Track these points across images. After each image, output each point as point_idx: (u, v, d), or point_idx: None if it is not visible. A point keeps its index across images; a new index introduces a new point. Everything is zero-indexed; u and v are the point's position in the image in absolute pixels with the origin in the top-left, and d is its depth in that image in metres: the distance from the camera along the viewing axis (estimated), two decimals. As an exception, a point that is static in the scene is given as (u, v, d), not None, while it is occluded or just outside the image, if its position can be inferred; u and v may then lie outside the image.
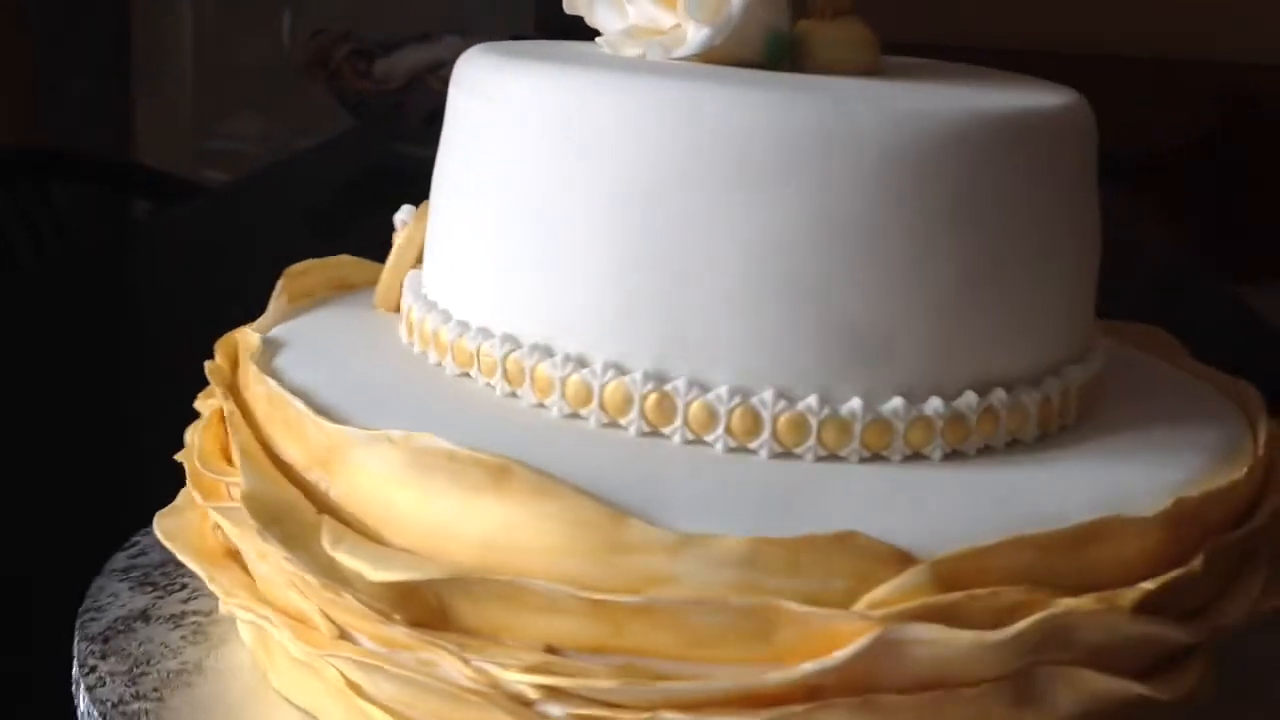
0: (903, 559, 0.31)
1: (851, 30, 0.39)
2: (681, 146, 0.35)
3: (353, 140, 1.45)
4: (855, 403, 0.35)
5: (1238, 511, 0.36)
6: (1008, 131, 0.36)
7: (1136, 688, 0.31)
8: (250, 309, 0.43)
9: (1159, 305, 0.47)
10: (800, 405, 0.35)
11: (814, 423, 0.35)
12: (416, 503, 0.33)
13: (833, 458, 0.35)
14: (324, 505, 0.35)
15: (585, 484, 0.32)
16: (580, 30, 0.42)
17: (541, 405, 0.36)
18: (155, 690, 0.36)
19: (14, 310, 0.88)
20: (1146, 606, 0.32)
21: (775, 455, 0.35)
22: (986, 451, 0.36)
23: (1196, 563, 0.33)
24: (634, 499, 0.32)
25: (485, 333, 0.37)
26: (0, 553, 0.42)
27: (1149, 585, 0.32)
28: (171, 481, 0.42)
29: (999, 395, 0.36)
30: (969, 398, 0.35)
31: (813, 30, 0.39)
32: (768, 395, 0.35)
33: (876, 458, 0.35)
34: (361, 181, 1.37)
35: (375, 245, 0.45)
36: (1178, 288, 1.09)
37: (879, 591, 0.31)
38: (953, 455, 0.36)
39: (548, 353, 0.36)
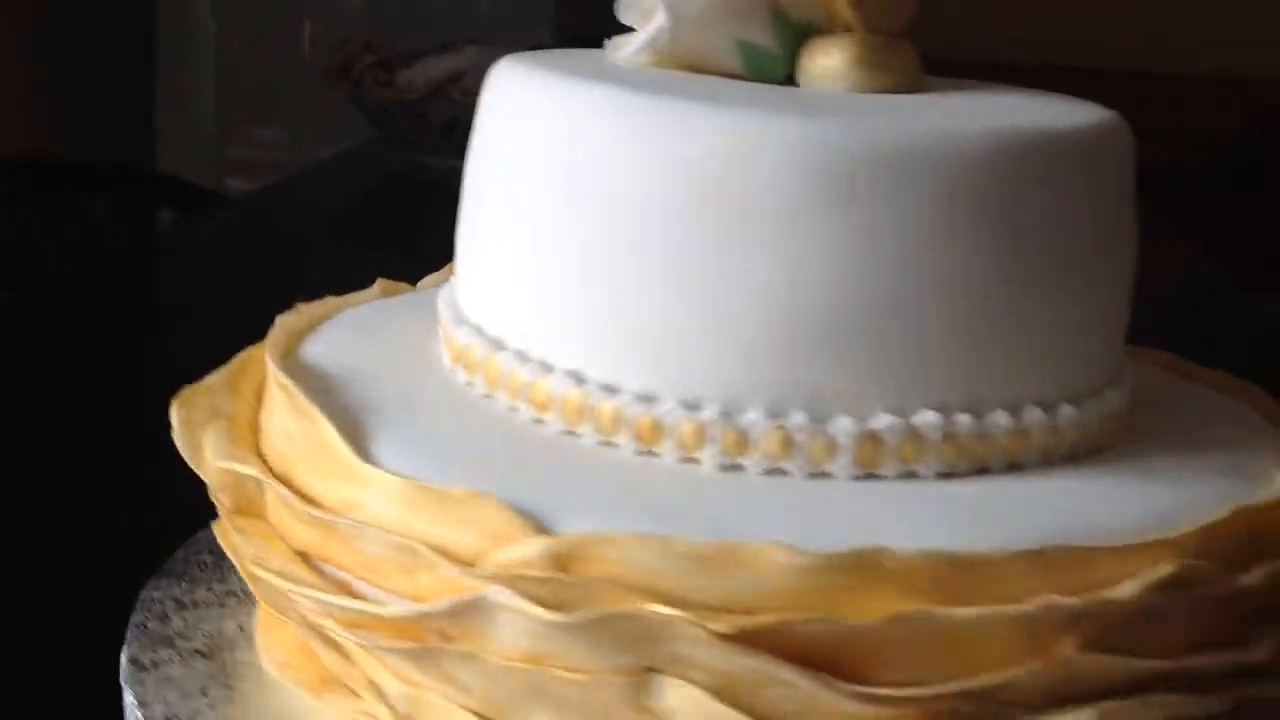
0: (538, 529, 0.32)
1: (898, 52, 0.39)
2: (735, 173, 0.35)
3: (374, 150, 1.46)
4: (885, 418, 0.35)
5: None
6: (1048, 150, 0.36)
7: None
8: (273, 317, 0.44)
9: (1184, 318, 0.47)
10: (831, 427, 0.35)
11: (847, 443, 0.35)
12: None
13: (869, 476, 0.35)
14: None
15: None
16: (596, 40, 0.42)
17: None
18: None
19: (41, 320, 0.88)
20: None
21: (810, 476, 0.35)
22: (1013, 469, 0.36)
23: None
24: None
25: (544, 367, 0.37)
26: (33, 557, 0.42)
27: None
28: (200, 489, 0.43)
29: (1034, 414, 0.36)
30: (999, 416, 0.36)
31: (858, 48, 0.39)
32: (801, 419, 0.35)
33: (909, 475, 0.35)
34: (382, 190, 1.38)
35: (396, 253, 0.46)
36: (1203, 300, 1.09)
37: (502, 555, 0.32)
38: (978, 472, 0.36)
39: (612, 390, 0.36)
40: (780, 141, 0.34)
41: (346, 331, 0.44)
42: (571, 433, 0.36)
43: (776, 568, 0.31)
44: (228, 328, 0.43)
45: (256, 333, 0.43)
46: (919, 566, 0.31)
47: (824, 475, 0.35)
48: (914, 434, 0.35)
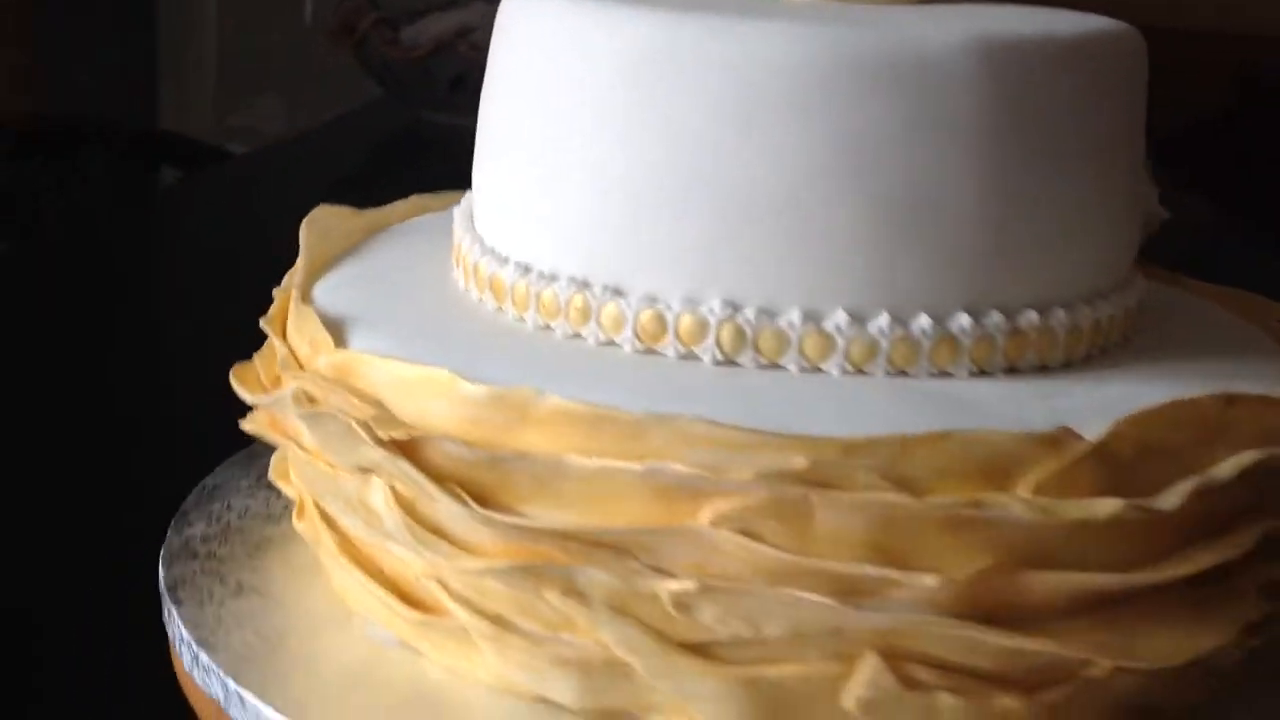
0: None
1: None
2: (735, 80, 0.35)
3: (379, 109, 1.45)
4: (924, 320, 0.35)
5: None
6: (1061, 53, 0.36)
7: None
8: (279, 271, 0.44)
9: (1188, 269, 0.47)
10: (871, 325, 0.35)
11: (884, 343, 0.35)
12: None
13: (902, 373, 0.36)
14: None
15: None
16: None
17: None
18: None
19: (43, 275, 0.88)
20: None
21: (846, 373, 0.36)
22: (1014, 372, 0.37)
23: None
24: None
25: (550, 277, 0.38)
26: (37, 516, 0.42)
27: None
28: (209, 441, 0.43)
29: (1035, 316, 0.37)
30: (996, 317, 0.36)
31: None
32: (841, 319, 0.35)
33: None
34: (388, 147, 1.38)
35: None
36: (1206, 252, 1.09)
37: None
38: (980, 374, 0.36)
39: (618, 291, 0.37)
40: (765, 47, 0.35)
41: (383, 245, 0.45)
42: (548, 328, 0.38)
43: (455, 397, 0.34)
44: (231, 282, 0.43)
45: (262, 289, 0.43)
46: (566, 413, 0.33)
47: (818, 371, 0.36)
48: (864, 334, 0.36)
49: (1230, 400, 0.34)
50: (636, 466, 0.32)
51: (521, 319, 0.38)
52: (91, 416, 0.64)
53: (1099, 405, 0.35)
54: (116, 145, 1.40)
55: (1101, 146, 0.38)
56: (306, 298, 0.40)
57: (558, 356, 0.36)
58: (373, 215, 0.48)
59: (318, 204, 0.46)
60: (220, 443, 0.44)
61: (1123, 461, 0.32)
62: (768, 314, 0.36)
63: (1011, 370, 0.37)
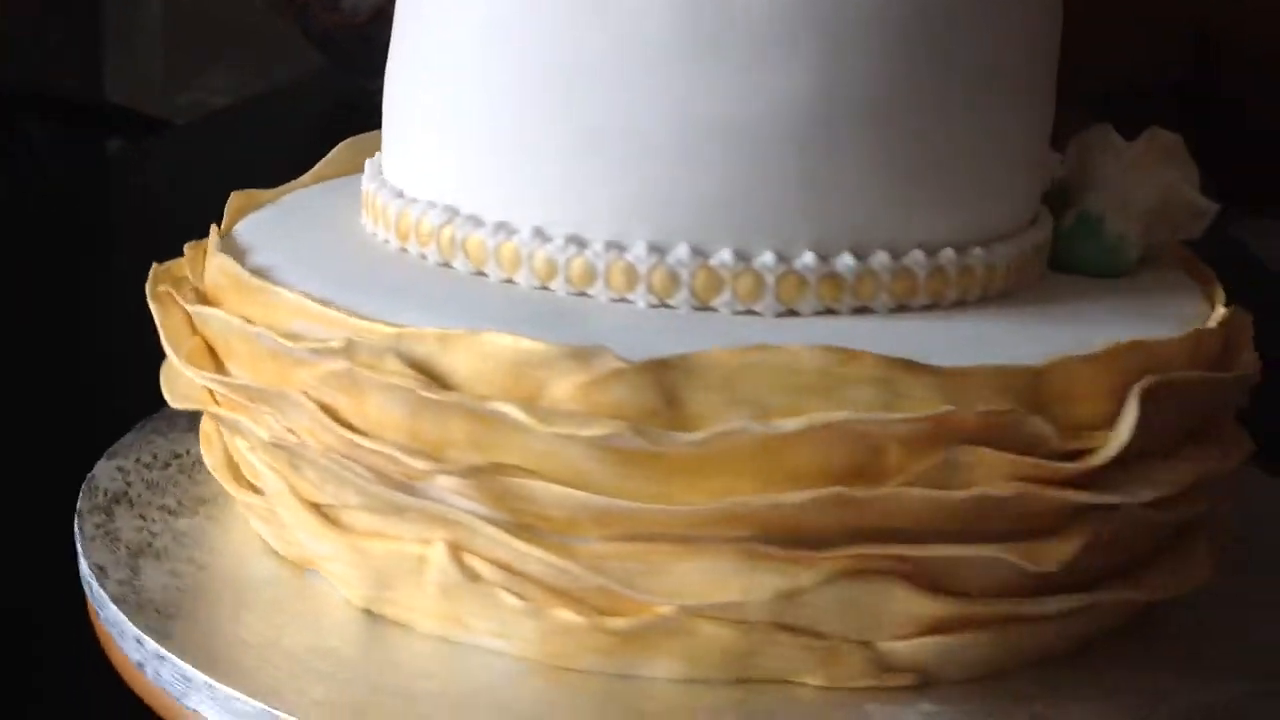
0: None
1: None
2: (627, 16, 0.37)
3: (322, 78, 1.45)
4: (809, 257, 0.36)
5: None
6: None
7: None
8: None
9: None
10: (756, 263, 0.36)
11: (771, 280, 0.36)
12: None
13: (790, 313, 0.37)
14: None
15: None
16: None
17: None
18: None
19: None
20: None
21: (737, 313, 0.37)
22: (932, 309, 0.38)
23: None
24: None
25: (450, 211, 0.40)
26: (38, 515, 0.43)
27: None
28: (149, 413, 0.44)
29: (948, 255, 0.38)
30: (917, 255, 0.37)
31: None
32: (727, 255, 0.36)
33: (829, 311, 0.37)
34: (330, 116, 1.38)
35: None
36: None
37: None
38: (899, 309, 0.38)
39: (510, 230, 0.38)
40: None
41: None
42: (481, 273, 0.39)
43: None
44: (176, 250, 0.44)
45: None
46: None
47: (709, 309, 0.37)
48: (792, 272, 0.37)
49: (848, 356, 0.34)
50: (251, 328, 0.36)
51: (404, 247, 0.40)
52: (39, 374, 0.64)
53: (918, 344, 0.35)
54: (60, 115, 1.39)
55: (1005, 79, 0.39)
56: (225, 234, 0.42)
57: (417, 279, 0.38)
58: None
59: (260, 173, 0.47)
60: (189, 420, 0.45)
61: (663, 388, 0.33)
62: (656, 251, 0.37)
63: (900, 309, 0.38)
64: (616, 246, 0.37)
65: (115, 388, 0.63)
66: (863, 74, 0.36)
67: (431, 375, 0.33)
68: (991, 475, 0.33)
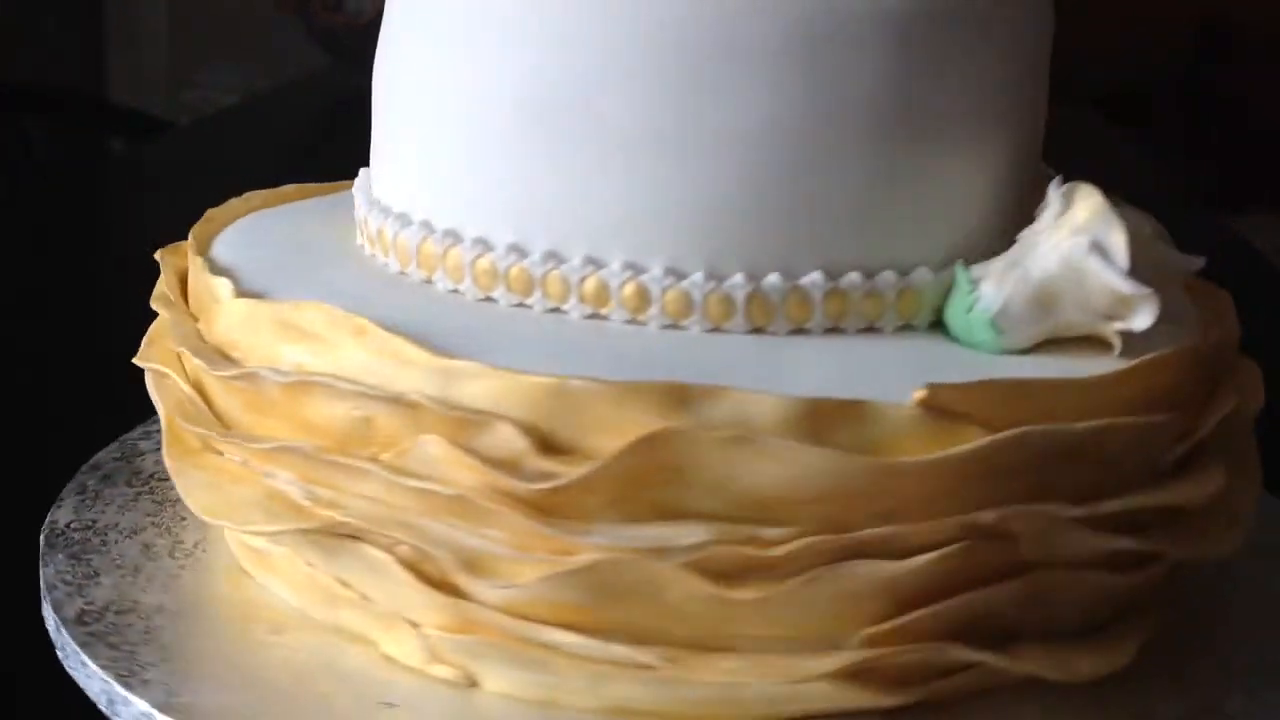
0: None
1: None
2: (596, 37, 0.37)
3: (325, 77, 1.45)
4: (775, 278, 0.37)
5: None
6: (946, 10, 0.37)
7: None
8: None
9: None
10: (727, 284, 0.37)
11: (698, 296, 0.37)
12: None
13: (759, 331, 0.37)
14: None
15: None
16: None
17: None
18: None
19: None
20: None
21: (707, 331, 0.37)
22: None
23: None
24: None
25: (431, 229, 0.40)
26: (36, 515, 0.43)
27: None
28: (148, 412, 0.44)
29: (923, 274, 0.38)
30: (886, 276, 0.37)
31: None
32: (698, 277, 0.37)
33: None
34: (334, 115, 1.38)
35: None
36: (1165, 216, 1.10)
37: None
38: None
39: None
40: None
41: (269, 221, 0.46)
42: (457, 291, 0.39)
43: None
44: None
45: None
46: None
47: (679, 328, 0.37)
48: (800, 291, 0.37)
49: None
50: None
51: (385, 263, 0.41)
52: (37, 377, 0.64)
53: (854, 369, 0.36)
54: (63, 115, 1.39)
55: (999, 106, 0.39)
56: (204, 251, 0.42)
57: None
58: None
59: (263, 172, 0.47)
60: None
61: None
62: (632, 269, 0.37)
63: (834, 330, 0.37)
64: (593, 262, 0.37)
65: (115, 387, 0.63)
66: (860, 91, 0.36)
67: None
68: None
